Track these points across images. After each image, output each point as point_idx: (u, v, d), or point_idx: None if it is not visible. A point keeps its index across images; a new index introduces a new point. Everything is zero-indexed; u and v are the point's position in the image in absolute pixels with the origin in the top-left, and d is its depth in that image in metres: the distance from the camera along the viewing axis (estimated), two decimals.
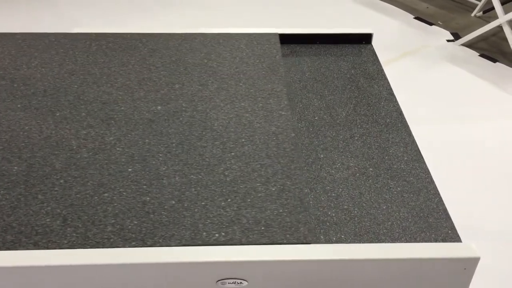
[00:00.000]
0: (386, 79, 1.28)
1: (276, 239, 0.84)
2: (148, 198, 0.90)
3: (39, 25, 2.91)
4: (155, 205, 0.89)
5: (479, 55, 2.84)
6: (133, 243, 0.82)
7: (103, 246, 0.82)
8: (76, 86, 1.18)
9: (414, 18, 3.19)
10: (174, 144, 1.02)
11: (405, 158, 1.04)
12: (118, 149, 1.00)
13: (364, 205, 0.94)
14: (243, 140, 1.04)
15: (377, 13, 3.22)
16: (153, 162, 0.98)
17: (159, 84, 1.19)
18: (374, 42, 1.46)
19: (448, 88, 2.56)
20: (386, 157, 1.04)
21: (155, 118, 1.09)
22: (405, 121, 1.15)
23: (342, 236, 0.87)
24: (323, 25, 3.04)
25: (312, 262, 0.81)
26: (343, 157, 1.04)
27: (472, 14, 3.22)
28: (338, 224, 0.90)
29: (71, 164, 0.96)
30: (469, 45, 2.92)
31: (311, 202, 0.94)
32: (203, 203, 0.90)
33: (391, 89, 1.25)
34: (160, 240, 0.83)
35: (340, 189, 0.97)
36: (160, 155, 0.99)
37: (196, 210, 0.88)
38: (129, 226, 0.85)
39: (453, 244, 0.85)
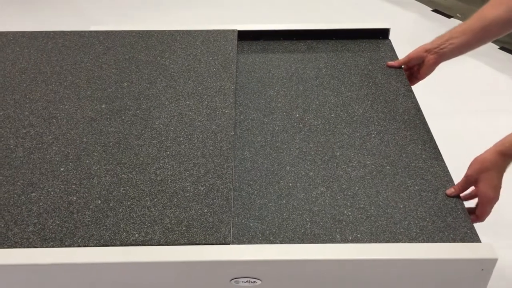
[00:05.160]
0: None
1: (195, 240, 0.83)
2: (74, 198, 0.90)
3: (55, 23, 2.92)
4: (80, 205, 0.89)
5: (498, 48, 2.77)
6: (51, 243, 0.82)
7: (21, 246, 0.82)
8: (25, 84, 1.18)
9: (431, 10, 3.12)
10: (111, 143, 1.02)
11: (423, 156, 1.02)
12: (54, 148, 1.00)
13: (381, 204, 0.92)
14: (181, 139, 1.03)
15: (393, 5, 3.16)
16: (87, 161, 0.97)
17: (108, 83, 1.19)
18: (391, 35, 1.42)
19: (467, 82, 2.49)
20: (404, 155, 1.02)
21: (97, 117, 1.08)
22: (423, 118, 1.12)
23: (358, 236, 0.86)
24: (339, 19, 2.99)
25: (328, 261, 0.81)
26: (359, 155, 1.02)
27: None
28: (354, 223, 0.88)
29: (5, 164, 0.97)
30: None
31: (327, 200, 0.92)
32: (129, 202, 0.89)
33: (409, 85, 1.22)
34: (79, 241, 0.83)
35: (357, 188, 0.95)
36: (95, 154, 0.99)
37: (120, 210, 0.88)
38: (51, 226, 0.85)
39: (470, 245, 0.83)
